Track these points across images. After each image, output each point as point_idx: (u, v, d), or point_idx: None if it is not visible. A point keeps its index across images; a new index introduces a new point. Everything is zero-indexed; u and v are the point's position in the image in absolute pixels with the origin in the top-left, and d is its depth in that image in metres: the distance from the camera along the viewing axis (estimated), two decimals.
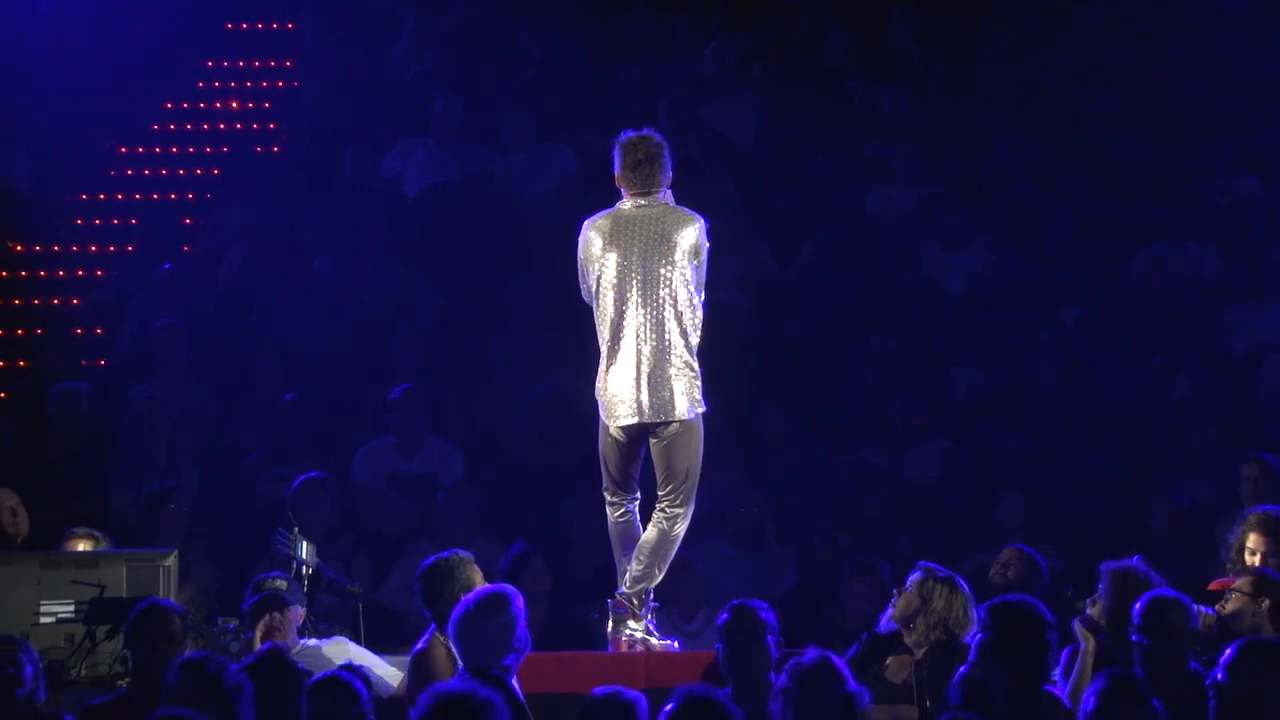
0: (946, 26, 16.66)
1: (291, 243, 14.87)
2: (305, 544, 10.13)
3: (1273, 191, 14.65)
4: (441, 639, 8.82)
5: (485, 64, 16.29)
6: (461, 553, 9.19)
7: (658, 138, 9.59)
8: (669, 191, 9.58)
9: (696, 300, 9.44)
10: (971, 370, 13.54)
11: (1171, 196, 14.77)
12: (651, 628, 9.49)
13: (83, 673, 9.33)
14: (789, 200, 15.01)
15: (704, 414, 9.45)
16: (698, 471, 9.46)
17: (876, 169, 15.41)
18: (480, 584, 8.95)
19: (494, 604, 8.36)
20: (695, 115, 15.70)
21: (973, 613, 8.85)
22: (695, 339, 9.44)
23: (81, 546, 10.35)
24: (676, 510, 9.45)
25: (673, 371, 9.37)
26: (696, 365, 9.41)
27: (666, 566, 9.52)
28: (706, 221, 9.52)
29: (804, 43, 16.77)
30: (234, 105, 16.83)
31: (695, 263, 9.44)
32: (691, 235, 9.43)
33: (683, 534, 9.49)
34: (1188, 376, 13.16)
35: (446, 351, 13.69)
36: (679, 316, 9.39)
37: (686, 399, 9.38)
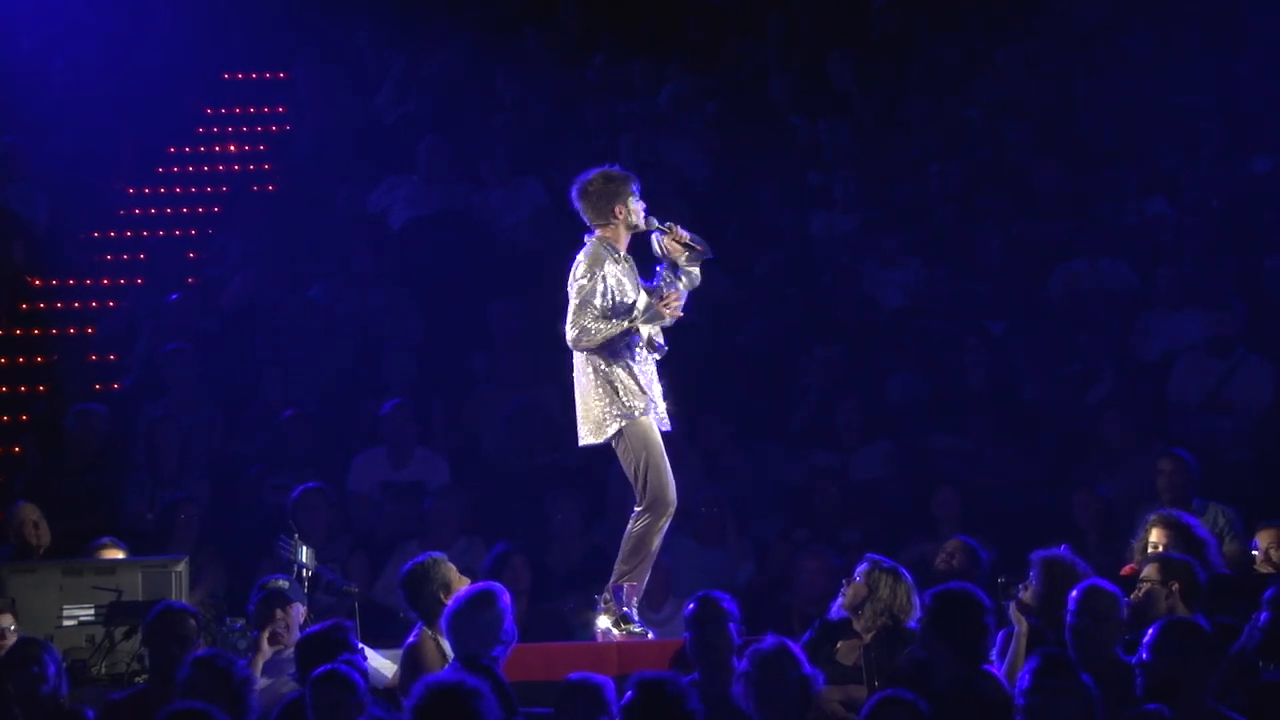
0: (879, 67, 16.64)
1: (288, 272, 14.77)
2: (305, 548, 10.03)
3: (1177, 210, 14.64)
4: (430, 633, 8.74)
5: (463, 107, 16.24)
6: (435, 554, 9.03)
7: (602, 174, 9.37)
8: (614, 223, 9.36)
9: (590, 327, 9.14)
10: (908, 377, 13.49)
11: (1085, 217, 14.76)
12: (632, 616, 9.39)
13: (103, 671, 9.26)
14: (739, 225, 14.94)
15: (631, 422, 9.16)
16: (646, 474, 9.18)
17: (818, 195, 15.37)
18: (456, 580, 8.84)
19: (483, 600, 8.30)
20: (653, 150, 15.65)
21: (915, 599, 8.80)
22: (601, 364, 9.19)
23: (110, 554, 10.29)
24: (635, 510, 9.34)
25: (581, 400, 9.27)
26: (602, 388, 9.18)
27: (634, 561, 9.28)
28: (586, 251, 9.26)
29: (751, 83, 16.74)
30: (232, 148, 16.71)
31: (577, 294, 9.18)
32: (574, 268, 9.29)
33: (644, 530, 9.22)
34: (1105, 380, 13.14)
35: (432, 369, 13.62)
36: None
37: (593, 423, 9.22)
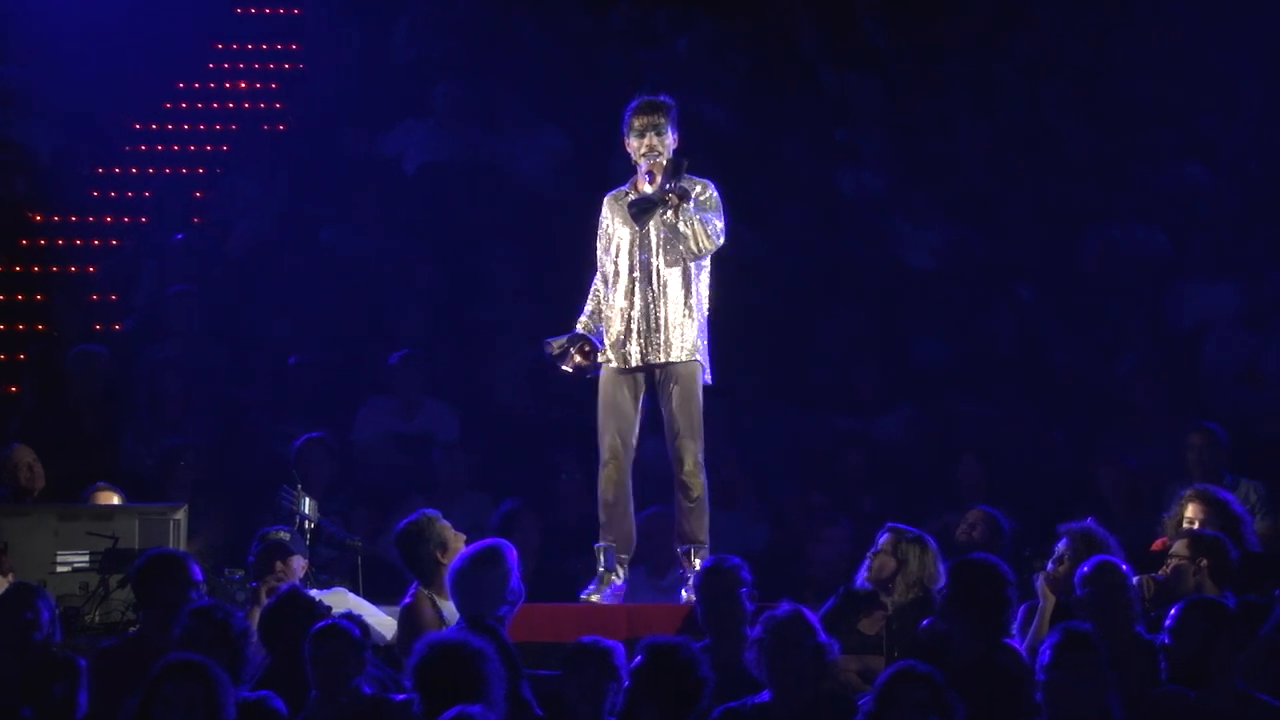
0: (911, 21, 16.52)
1: (298, 215, 14.69)
2: (307, 500, 10.00)
3: (1215, 176, 14.55)
4: (426, 593, 8.67)
5: (481, 50, 16.12)
6: (430, 512, 8.95)
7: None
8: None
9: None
10: (933, 340, 13.42)
11: (1120, 180, 14.67)
12: (611, 572, 9.44)
13: (97, 619, 9.22)
14: (763, 181, 14.85)
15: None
16: None
17: (846, 153, 15.26)
18: (452, 538, 8.77)
19: (489, 557, 8.24)
20: (676, 100, 15.49)
21: (940, 566, 8.74)
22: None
23: (106, 498, 10.24)
24: None
25: None
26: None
27: (601, 518, 9.41)
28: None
29: (779, 35, 16.62)
30: (242, 85, 16.59)
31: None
32: None
33: (599, 483, 9.40)
34: (1136, 349, 13.06)
35: (444, 318, 13.55)
36: None
37: None
